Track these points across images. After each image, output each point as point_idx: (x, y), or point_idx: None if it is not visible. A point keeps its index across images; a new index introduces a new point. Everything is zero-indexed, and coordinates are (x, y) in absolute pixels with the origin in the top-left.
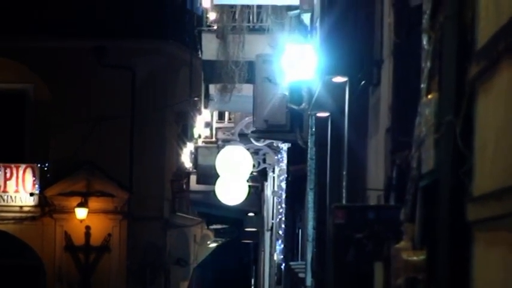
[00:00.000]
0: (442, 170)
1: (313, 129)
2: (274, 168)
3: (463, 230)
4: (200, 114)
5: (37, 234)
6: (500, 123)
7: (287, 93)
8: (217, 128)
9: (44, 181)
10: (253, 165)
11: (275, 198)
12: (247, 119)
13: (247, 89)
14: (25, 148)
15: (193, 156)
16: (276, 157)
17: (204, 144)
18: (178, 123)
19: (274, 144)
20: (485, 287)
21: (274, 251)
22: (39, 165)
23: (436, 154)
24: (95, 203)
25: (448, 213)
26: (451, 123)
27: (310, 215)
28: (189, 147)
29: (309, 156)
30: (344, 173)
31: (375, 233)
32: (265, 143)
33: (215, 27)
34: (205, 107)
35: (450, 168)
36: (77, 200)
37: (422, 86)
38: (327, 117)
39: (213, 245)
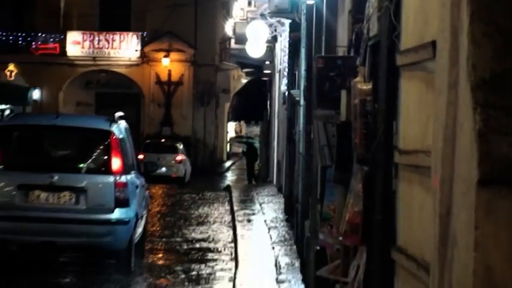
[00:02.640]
0: (382, 34)
1: (305, 11)
2: (281, 34)
3: (394, 70)
4: (237, 1)
5: (139, 74)
6: (416, 6)
7: None
8: (247, 11)
9: (143, 42)
10: (269, 33)
11: (282, 52)
12: (265, 5)
13: None
14: (132, 22)
15: (232, 27)
16: (282, 28)
17: (239, 20)
18: (223, 7)
19: (281, 21)
20: (408, 103)
21: (281, 84)
22: (140, 32)
23: (378, 25)
24: (173, 55)
25: (385, 60)
26: (388, 6)
27: (303, 62)
28: (230, 22)
29: (302, 27)
30: (323, 37)
31: (341, 73)
32: (276, 20)
33: None
34: None
35: (387, 33)
36: (163, 53)
37: None
38: (313, 4)
39: (244, 80)
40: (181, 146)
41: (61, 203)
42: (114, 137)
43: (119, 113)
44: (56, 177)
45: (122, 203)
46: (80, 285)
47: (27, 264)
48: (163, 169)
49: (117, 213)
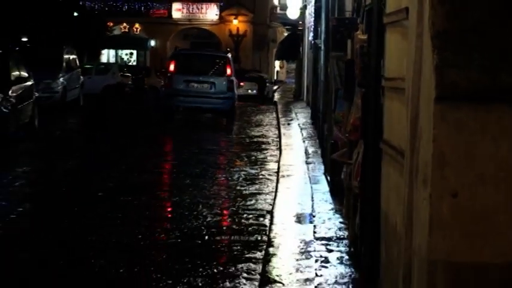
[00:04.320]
0: (374, 3)
1: None
2: (309, 4)
3: (381, 26)
4: None
5: (218, 30)
6: None
7: None
8: None
9: (220, 9)
10: (301, 3)
11: (309, 15)
12: None
13: None
14: None
15: (277, 6)
16: None
17: None
18: None
19: None
20: (390, 47)
21: (309, 36)
22: (219, 3)
23: None
24: (240, 18)
25: (376, 20)
26: None
27: (323, 21)
28: None
29: None
30: (336, 5)
31: (348, 28)
32: None
33: None
34: None
35: (377, 2)
36: (233, 16)
37: None
38: None
39: (286, 34)
40: (265, 76)
41: (203, 88)
42: (228, 59)
43: (228, 49)
44: (201, 77)
45: (230, 89)
46: (212, 128)
47: (187, 118)
48: (254, 91)
49: (228, 94)
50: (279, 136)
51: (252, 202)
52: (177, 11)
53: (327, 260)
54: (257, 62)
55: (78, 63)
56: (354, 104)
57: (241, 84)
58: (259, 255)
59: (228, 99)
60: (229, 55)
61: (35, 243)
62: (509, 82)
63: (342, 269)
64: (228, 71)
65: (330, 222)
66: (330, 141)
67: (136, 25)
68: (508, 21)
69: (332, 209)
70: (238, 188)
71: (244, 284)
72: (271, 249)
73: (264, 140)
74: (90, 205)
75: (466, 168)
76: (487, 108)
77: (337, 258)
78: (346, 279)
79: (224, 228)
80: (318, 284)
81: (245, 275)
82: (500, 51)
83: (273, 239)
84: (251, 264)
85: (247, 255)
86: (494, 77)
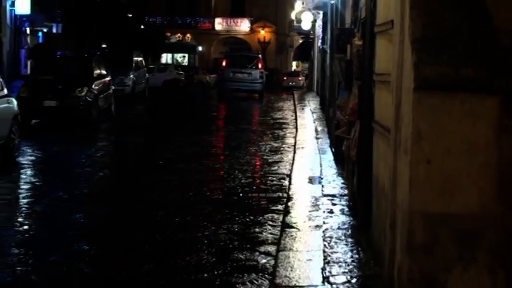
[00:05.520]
0: (367, 16)
1: (329, 6)
2: (318, 18)
3: (373, 34)
4: (296, 2)
5: (249, 38)
6: (383, 1)
7: None
8: (301, 6)
9: (251, 22)
10: (312, 17)
11: (318, 27)
12: (310, 3)
13: None
14: (246, 11)
15: (295, 14)
16: (318, 15)
17: (298, 10)
18: (290, 4)
19: (318, 11)
20: (380, 50)
21: (318, 42)
22: (250, 18)
23: (365, 12)
24: (266, 29)
25: (369, 29)
26: (369, 1)
27: (328, 31)
28: (293, 12)
29: (328, 14)
30: (338, 19)
31: (347, 35)
32: (315, 11)
33: None
34: None
35: (370, 15)
36: (261, 28)
37: None
38: (334, 2)
39: (300, 41)
40: (300, 71)
41: (244, 77)
42: (259, 58)
43: (259, 51)
44: (242, 70)
45: (261, 78)
46: (246, 101)
47: (231, 97)
48: (294, 83)
49: (260, 80)
50: (295, 118)
51: (275, 168)
52: (219, 24)
53: (331, 211)
54: (278, 63)
55: (144, 64)
56: (352, 93)
57: None
58: (280, 207)
59: (260, 84)
60: (260, 56)
61: (111, 200)
62: (468, 76)
63: (343, 218)
64: (259, 66)
65: (334, 183)
66: (334, 121)
67: (188, 35)
68: (470, 32)
69: (336, 173)
70: (264, 157)
71: (270, 229)
72: (289, 203)
73: (284, 121)
74: (153, 171)
75: (437, 141)
76: (453, 95)
77: (340, 210)
78: (346, 226)
79: (254, 187)
80: (325, 229)
81: (270, 222)
82: (463, 53)
83: (291, 196)
84: (274, 214)
85: (271, 208)
86: (457, 72)
